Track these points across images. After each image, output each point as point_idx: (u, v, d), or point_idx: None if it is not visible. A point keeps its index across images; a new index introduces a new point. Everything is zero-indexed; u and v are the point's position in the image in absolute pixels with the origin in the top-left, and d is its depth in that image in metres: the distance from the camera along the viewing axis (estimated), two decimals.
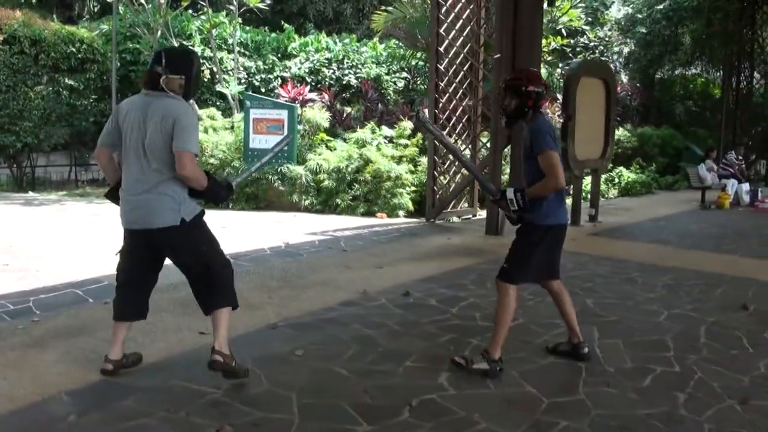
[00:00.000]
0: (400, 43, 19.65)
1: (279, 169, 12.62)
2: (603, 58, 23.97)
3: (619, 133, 19.16)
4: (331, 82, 18.77)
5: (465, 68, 11.83)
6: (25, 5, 20.13)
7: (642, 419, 3.81)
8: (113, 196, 4.25)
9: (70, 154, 18.63)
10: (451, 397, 4.04)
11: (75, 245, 8.79)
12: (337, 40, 20.53)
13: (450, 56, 11.48)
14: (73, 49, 17.16)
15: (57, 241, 9.05)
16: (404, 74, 19.43)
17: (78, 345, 4.90)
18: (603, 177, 15.58)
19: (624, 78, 25.71)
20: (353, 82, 18.88)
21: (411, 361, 4.62)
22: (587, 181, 12.95)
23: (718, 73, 25.00)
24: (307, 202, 12.42)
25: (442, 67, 11.31)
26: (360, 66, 19.20)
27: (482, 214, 11.41)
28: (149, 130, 3.91)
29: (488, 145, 10.96)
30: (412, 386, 4.18)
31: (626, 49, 26.43)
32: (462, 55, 11.72)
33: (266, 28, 20.87)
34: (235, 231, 10.00)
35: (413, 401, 3.94)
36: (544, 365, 4.65)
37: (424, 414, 3.80)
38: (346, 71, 19.20)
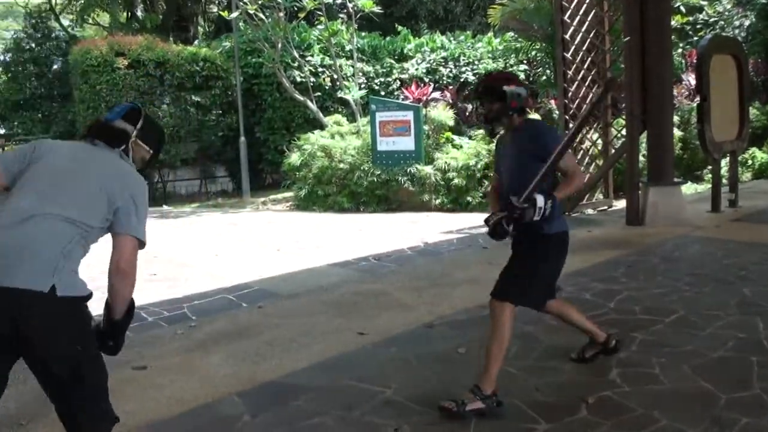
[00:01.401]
0: (517, 36, 19.38)
1: (408, 170, 12.68)
2: (723, 34, 22.90)
3: None
4: (449, 80, 18.74)
5: (592, 54, 11.54)
6: (144, 31, 21.04)
7: None
8: None
9: (197, 168, 19.35)
10: (626, 394, 3.92)
11: (218, 253, 9.09)
12: (452, 38, 20.47)
13: (576, 43, 11.22)
14: (197, 68, 17.88)
15: (200, 250, 9.40)
16: (522, 66, 19.16)
17: (240, 348, 5.04)
18: None
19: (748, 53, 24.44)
20: (471, 78, 18.78)
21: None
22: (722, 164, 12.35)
23: None
24: (437, 201, 12.43)
25: (568, 56, 11.08)
26: (476, 62, 19.08)
27: (617, 204, 11.10)
28: (86, 180, 2.77)
29: (622, 132, 10.64)
30: (583, 383, 4.08)
31: (747, 23, 25.14)
32: (588, 41, 11.43)
33: (380, 33, 21.04)
34: (372, 233, 10.13)
35: (589, 398, 3.84)
36: (713, 359, 4.44)
37: (602, 411, 3.70)
38: (463, 68, 19.14)
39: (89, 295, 2.72)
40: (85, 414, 2.71)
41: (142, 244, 2.83)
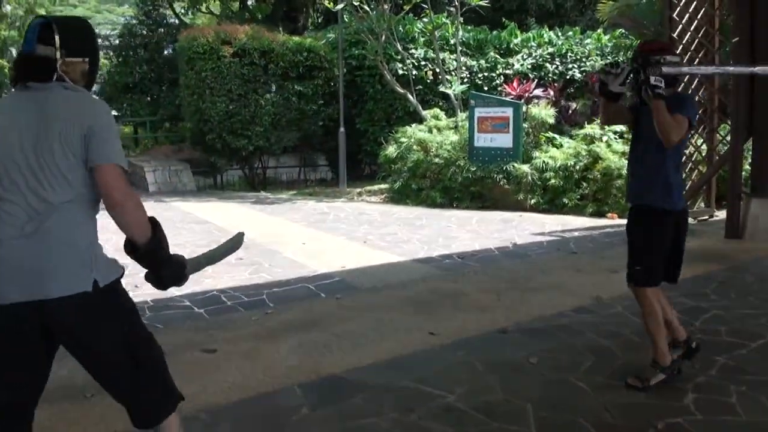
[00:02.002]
0: (627, 33, 18.73)
1: (504, 168, 12.42)
2: None
3: None
4: (555, 77, 18.28)
5: (700, 54, 10.98)
6: (254, 20, 21.45)
7: None
8: None
9: (298, 156, 19.62)
10: (699, 423, 3.61)
11: (306, 242, 9.10)
12: (560, 34, 19.96)
13: (684, 42, 10.70)
14: (301, 58, 18.02)
15: (288, 238, 9.42)
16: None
17: (310, 338, 4.99)
18: None
19: None
20: (577, 75, 18.26)
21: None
22: None
23: None
24: (533, 201, 12.11)
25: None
26: (584, 59, 18.53)
27: (719, 215, 10.52)
28: (43, 142, 2.43)
29: (727, 138, 10.07)
30: (656, 406, 3.80)
31: None
32: (696, 40, 10.89)
33: (487, 26, 20.71)
34: (462, 230, 9.96)
35: (659, 424, 3.56)
36: None
37: None
38: (570, 65, 18.61)
39: (123, 271, 2.60)
40: (149, 393, 2.60)
41: (123, 169, 2.49)
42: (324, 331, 5.16)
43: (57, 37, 2.51)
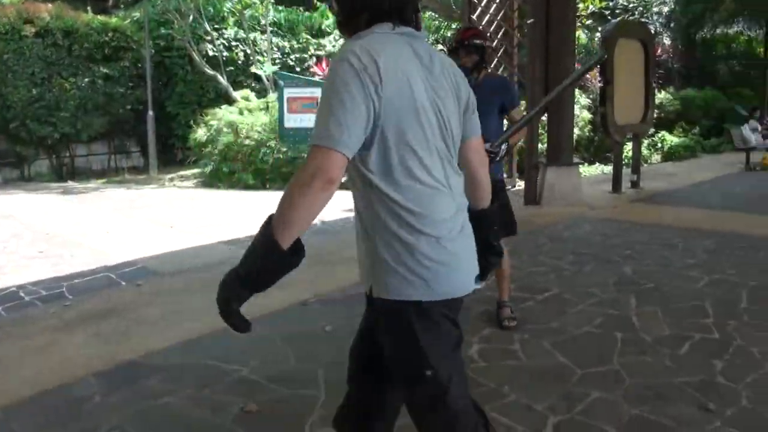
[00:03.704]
0: (436, 15, 19.38)
1: None
2: (642, 20, 23.38)
3: (661, 96, 18.75)
4: None
5: (499, 36, 11.60)
6: None
7: (677, 387, 3.68)
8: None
9: (108, 143, 18.84)
10: (482, 369, 3.95)
11: (110, 230, 8.87)
12: None
13: (483, 24, 11.27)
14: (107, 39, 17.38)
15: (93, 228, 9.16)
16: (440, 47, 19.16)
17: (108, 327, 4.92)
18: (645, 142, 15.30)
19: (666, 40, 25.07)
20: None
21: None
22: (628, 147, 12.66)
23: (760, 30, 24.26)
24: (345, 178, 12.34)
25: None
26: None
27: (520, 184, 11.23)
28: (448, 104, 2.08)
29: (525, 113, 10.76)
30: None
31: (666, 9, 25.73)
32: (495, 22, 11.49)
33: (300, 7, 20.76)
34: (272, 210, 9.99)
35: None
36: (577, 335, 4.52)
37: None
38: None
39: None
40: None
41: None
42: (122, 318, 5.09)
43: None
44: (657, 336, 4.47)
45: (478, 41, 4.52)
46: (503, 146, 4.39)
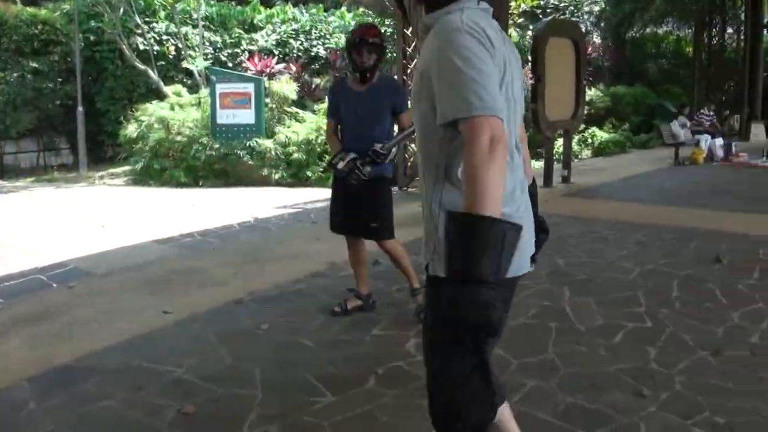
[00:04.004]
0: (369, 11, 19.41)
1: (248, 144, 12.45)
2: (574, 19, 23.81)
3: (592, 93, 19.10)
4: (299, 53, 18.53)
5: None
6: None
7: (612, 375, 3.76)
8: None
9: (38, 140, 18.30)
10: (418, 363, 3.94)
11: (41, 231, 8.65)
12: (304, 11, 20.25)
13: (417, 20, 11.28)
14: (36, 31, 16.89)
15: (23, 228, 8.92)
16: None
17: (42, 330, 4.76)
18: (576, 138, 15.58)
19: (596, 38, 25.59)
20: (322, 53, 18.66)
21: (379, 329, 4.55)
22: (559, 142, 12.89)
23: (689, 30, 24.92)
24: (277, 176, 12.28)
25: (409, 33, 11.13)
26: (328, 36, 18.96)
27: None
28: (516, 78, 2.12)
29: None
30: (379, 354, 4.11)
31: (596, 9, 26.27)
32: None
33: (232, 2, 20.53)
34: (205, 208, 9.91)
35: (379, 369, 3.86)
36: (513, 326, 4.55)
37: (389, 382, 3.73)
38: (315, 42, 18.97)
39: None
40: None
41: None
42: (56, 321, 4.94)
43: None
44: (591, 326, 4.56)
45: (378, 40, 4.53)
46: (393, 149, 4.45)
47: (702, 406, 3.38)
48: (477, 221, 1.75)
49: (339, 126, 4.71)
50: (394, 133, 4.70)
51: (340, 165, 4.38)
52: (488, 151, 1.78)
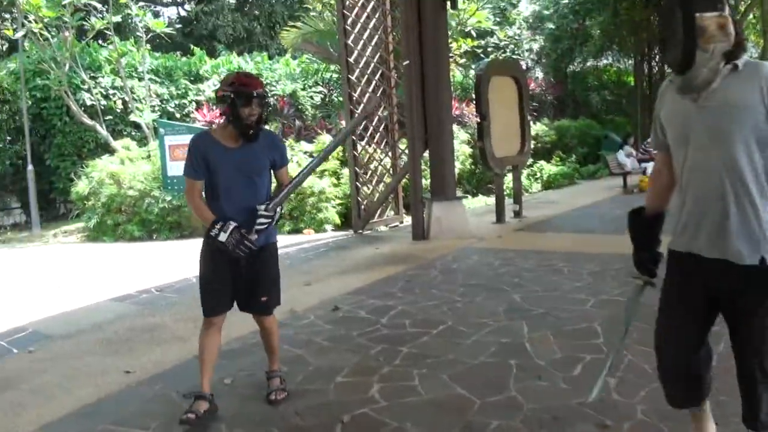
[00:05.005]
0: (314, 58, 19.61)
1: None
2: (514, 56, 24.34)
3: (537, 128, 19.48)
4: None
5: (377, 77, 11.84)
6: None
7: (574, 408, 3.84)
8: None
9: None
10: (383, 409, 4.01)
11: None
12: (249, 59, 20.38)
13: (361, 66, 11.49)
14: None
15: None
16: (320, 88, 19.36)
17: (3, 399, 4.68)
18: (525, 172, 15.86)
19: (539, 74, 26.17)
20: (269, 99, 18.74)
21: (342, 377, 4.58)
22: (509, 178, 13.13)
23: (629, 62, 25.61)
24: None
25: (354, 78, 11.31)
26: (274, 83, 19.07)
27: (408, 220, 11.44)
28: None
29: (407, 151, 10.99)
30: (344, 402, 4.14)
31: (536, 46, 26.91)
32: (373, 64, 11.73)
33: (178, 53, 20.57)
34: (161, 262, 9.84)
35: (344, 417, 3.89)
36: (474, 366, 4.65)
37: (356, 429, 3.77)
38: None
39: None
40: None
41: None
42: (17, 388, 4.86)
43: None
44: (550, 360, 4.66)
45: (263, 92, 4.04)
46: (278, 209, 4.05)
47: None
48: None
49: (206, 189, 4.07)
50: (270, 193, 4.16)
51: (222, 237, 3.83)
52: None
